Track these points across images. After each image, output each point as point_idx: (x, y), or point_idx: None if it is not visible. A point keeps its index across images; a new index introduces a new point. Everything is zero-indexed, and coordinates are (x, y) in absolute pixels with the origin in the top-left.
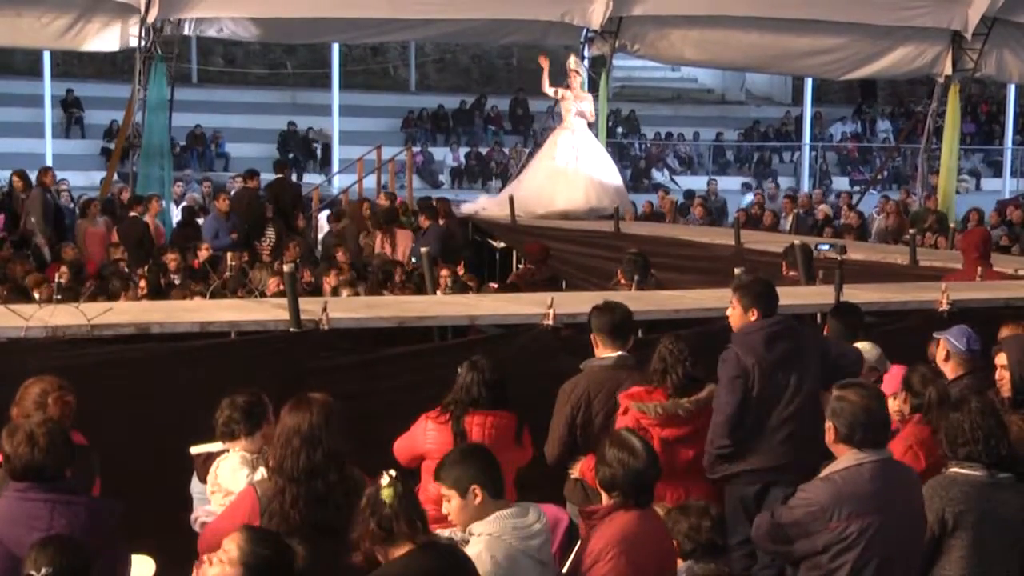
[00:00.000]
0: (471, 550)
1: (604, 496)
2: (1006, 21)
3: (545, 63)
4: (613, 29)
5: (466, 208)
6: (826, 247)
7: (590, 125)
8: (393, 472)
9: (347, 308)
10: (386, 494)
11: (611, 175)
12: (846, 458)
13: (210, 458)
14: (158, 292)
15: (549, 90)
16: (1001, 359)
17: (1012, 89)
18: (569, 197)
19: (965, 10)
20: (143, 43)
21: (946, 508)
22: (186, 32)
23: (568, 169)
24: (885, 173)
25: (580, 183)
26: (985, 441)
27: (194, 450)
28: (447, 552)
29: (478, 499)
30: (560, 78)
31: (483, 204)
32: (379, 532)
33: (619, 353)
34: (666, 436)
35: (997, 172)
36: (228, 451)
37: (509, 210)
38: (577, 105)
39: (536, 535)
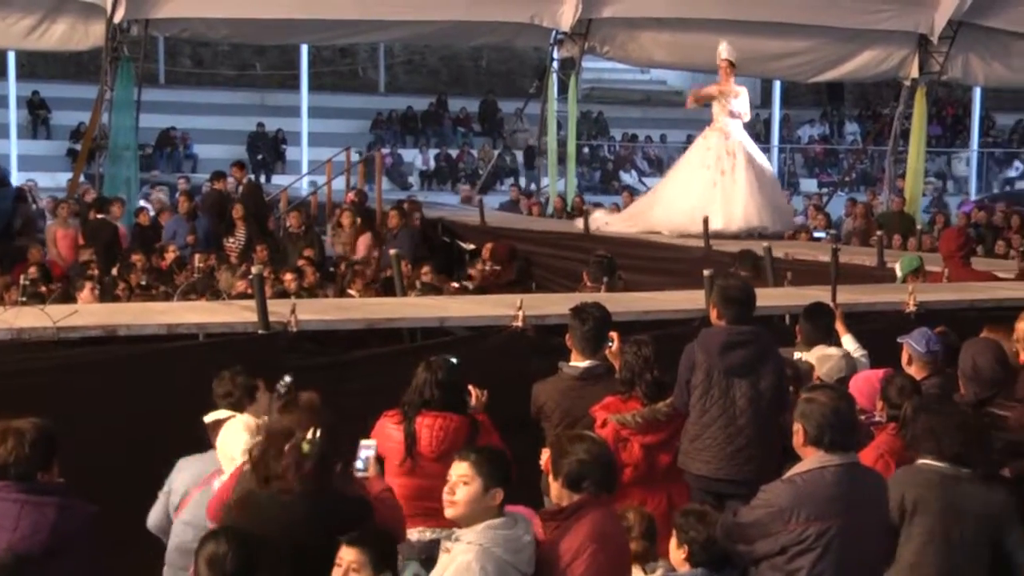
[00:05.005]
0: (461, 558)
1: (565, 494)
2: (972, 25)
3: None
4: (583, 31)
5: (593, 223)
6: (823, 235)
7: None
8: (316, 429)
9: (316, 310)
10: (306, 446)
11: (773, 188)
12: (811, 460)
13: (218, 425)
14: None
15: (701, 99)
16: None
17: (978, 92)
18: (727, 214)
19: (931, 14)
20: (110, 43)
21: (906, 492)
22: (153, 32)
23: (724, 180)
24: (853, 175)
25: (739, 198)
26: (941, 439)
27: (207, 418)
28: (313, 500)
29: (495, 502)
30: (527, 80)
31: (604, 219)
32: (295, 473)
33: (588, 363)
34: (648, 442)
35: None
36: (234, 416)
37: (645, 226)
38: (730, 103)
39: (524, 548)
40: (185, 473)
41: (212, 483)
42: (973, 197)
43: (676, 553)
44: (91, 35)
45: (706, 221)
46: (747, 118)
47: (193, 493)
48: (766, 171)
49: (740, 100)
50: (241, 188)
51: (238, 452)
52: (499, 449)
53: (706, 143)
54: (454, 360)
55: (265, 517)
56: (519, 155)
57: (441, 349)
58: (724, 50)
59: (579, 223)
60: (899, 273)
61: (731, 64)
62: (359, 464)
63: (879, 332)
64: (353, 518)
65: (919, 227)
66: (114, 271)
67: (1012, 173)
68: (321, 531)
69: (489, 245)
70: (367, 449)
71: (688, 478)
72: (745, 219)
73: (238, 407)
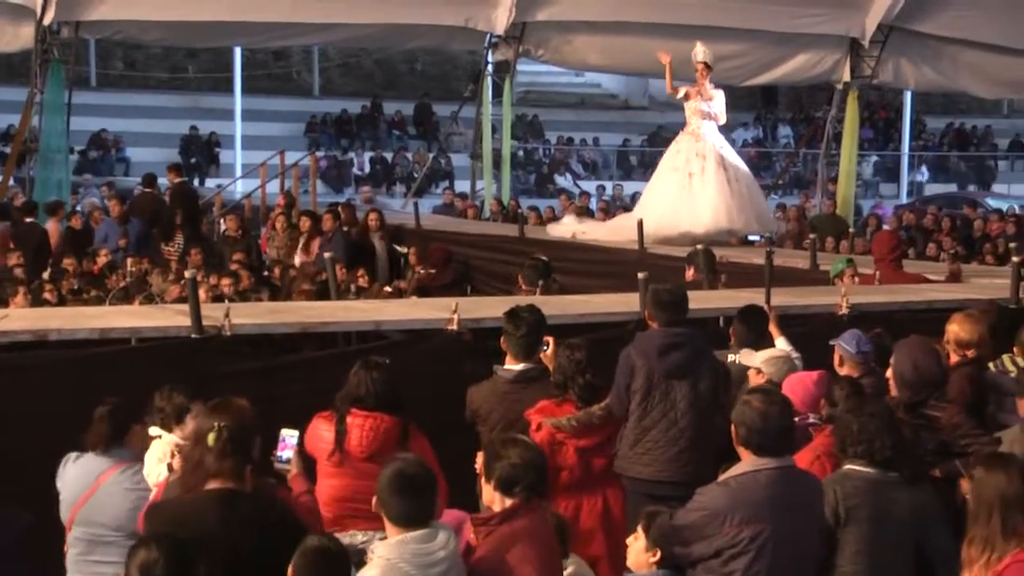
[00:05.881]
0: (366, 572)
1: (497, 497)
2: (902, 29)
3: (667, 59)
4: (517, 34)
5: (555, 232)
6: (757, 238)
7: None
8: (221, 423)
9: (250, 314)
10: (210, 438)
11: (751, 191)
12: (744, 464)
13: (149, 441)
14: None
15: (680, 92)
16: (894, 360)
17: (908, 96)
18: (695, 216)
19: (862, 18)
20: (39, 46)
21: (840, 502)
22: (84, 35)
23: (693, 183)
24: (786, 178)
25: (707, 199)
26: (870, 442)
27: (152, 431)
28: (238, 499)
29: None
30: (462, 83)
31: (579, 227)
32: (196, 469)
33: (522, 366)
34: (583, 446)
35: (894, 177)
36: (161, 437)
37: (626, 237)
38: (704, 105)
39: (438, 562)
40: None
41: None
42: (904, 200)
43: (643, 555)
44: (20, 37)
45: (640, 224)
46: (723, 120)
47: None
48: (742, 174)
49: (716, 102)
50: (169, 191)
51: (154, 479)
52: (421, 462)
53: (677, 146)
54: (386, 361)
55: (181, 520)
56: (455, 158)
57: (376, 353)
58: (700, 52)
59: (549, 227)
60: (831, 276)
61: (707, 66)
62: (280, 455)
63: (812, 334)
64: (284, 522)
65: (851, 230)
66: (45, 275)
67: (919, 177)
68: (247, 532)
69: (414, 249)
70: (290, 438)
71: (627, 482)
72: (714, 222)
73: (165, 426)
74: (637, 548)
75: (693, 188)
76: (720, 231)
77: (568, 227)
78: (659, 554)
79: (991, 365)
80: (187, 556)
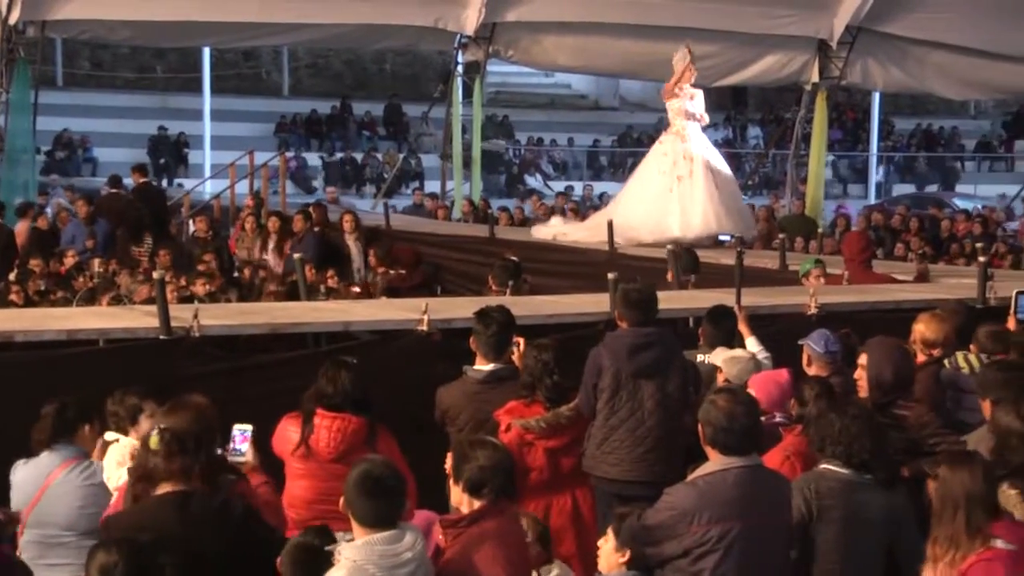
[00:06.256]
0: (333, 574)
1: (466, 499)
2: (870, 30)
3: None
4: (487, 35)
5: (539, 233)
6: (727, 238)
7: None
8: (162, 425)
9: (219, 315)
10: (153, 441)
11: (734, 194)
12: (712, 463)
13: (107, 446)
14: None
15: (676, 97)
16: (862, 359)
17: (876, 97)
18: (685, 221)
19: (831, 19)
20: (5, 45)
21: (813, 499)
22: (51, 34)
23: (681, 187)
24: (755, 179)
25: (697, 205)
26: (849, 444)
27: (107, 436)
28: (191, 500)
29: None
30: (432, 84)
31: (562, 229)
32: (145, 476)
33: (492, 367)
34: (552, 446)
35: (862, 178)
36: (118, 440)
37: (605, 236)
38: (687, 105)
39: (405, 563)
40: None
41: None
42: (872, 200)
43: (613, 556)
44: None
45: (610, 224)
46: (706, 120)
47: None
48: (727, 177)
49: (696, 102)
50: (134, 192)
51: (114, 480)
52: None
53: (662, 148)
54: (354, 361)
55: (138, 527)
56: (425, 159)
57: (346, 353)
58: (682, 54)
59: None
60: (800, 275)
61: (691, 64)
62: (234, 447)
63: (781, 334)
64: (243, 518)
65: (820, 230)
66: (11, 276)
67: (877, 178)
68: (204, 531)
69: (373, 250)
70: (242, 433)
71: (595, 482)
72: (704, 226)
73: (121, 429)
74: (607, 550)
75: (681, 193)
76: (710, 236)
77: (553, 228)
78: (628, 554)
79: (945, 362)
80: (146, 558)
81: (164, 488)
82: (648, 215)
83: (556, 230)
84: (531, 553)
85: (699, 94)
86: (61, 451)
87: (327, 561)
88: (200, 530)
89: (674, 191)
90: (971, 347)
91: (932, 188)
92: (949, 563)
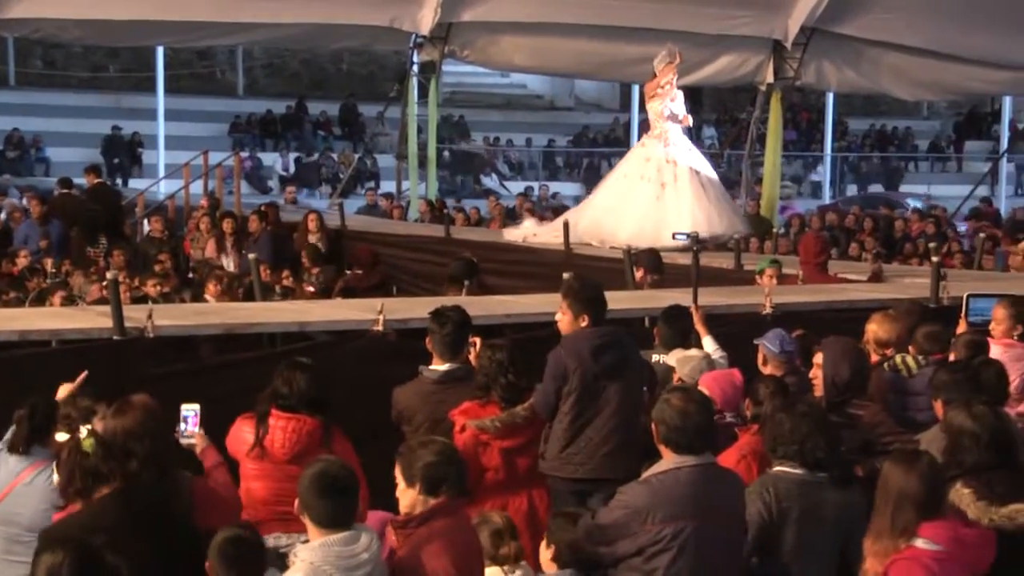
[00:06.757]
0: (291, 575)
1: (421, 500)
2: (824, 31)
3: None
4: (443, 35)
5: (510, 235)
6: (683, 237)
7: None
8: (89, 427)
9: (173, 316)
10: (87, 444)
11: (721, 195)
12: (665, 461)
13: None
14: None
15: (658, 98)
16: (818, 359)
17: (831, 97)
18: (677, 227)
19: (785, 20)
20: None
21: (772, 504)
22: (2, 33)
23: (666, 193)
24: None
25: (685, 210)
26: (802, 443)
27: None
28: (141, 495)
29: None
30: (388, 84)
31: (533, 230)
32: (84, 482)
33: (448, 367)
34: (507, 446)
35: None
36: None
37: (575, 237)
38: (669, 106)
39: (362, 564)
40: None
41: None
42: (827, 201)
43: (544, 553)
44: None
45: (566, 225)
46: (689, 122)
47: None
48: (712, 179)
49: (678, 103)
50: (88, 193)
51: None
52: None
53: (644, 152)
54: (308, 361)
55: (78, 526)
56: (380, 159)
57: (301, 354)
58: (665, 56)
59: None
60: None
61: (672, 64)
62: (183, 428)
63: (737, 334)
64: (183, 514)
65: (775, 230)
66: None
67: (815, 177)
68: (146, 529)
69: (305, 252)
70: (191, 413)
71: (556, 483)
72: (695, 230)
73: (72, 431)
74: (542, 546)
75: (667, 200)
76: (703, 239)
77: (526, 230)
78: (553, 549)
79: (885, 365)
80: (92, 557)
81: (103, 490)
82: (639, 225)
83: (527, 231)
84: (508, 551)
85: (680, 95)
86: (34, 453)
87: (257, 551)
88: (141, 529)
89: (661, 199)
90: (910, 348)
91: (877, 188)
92: (878, 559)
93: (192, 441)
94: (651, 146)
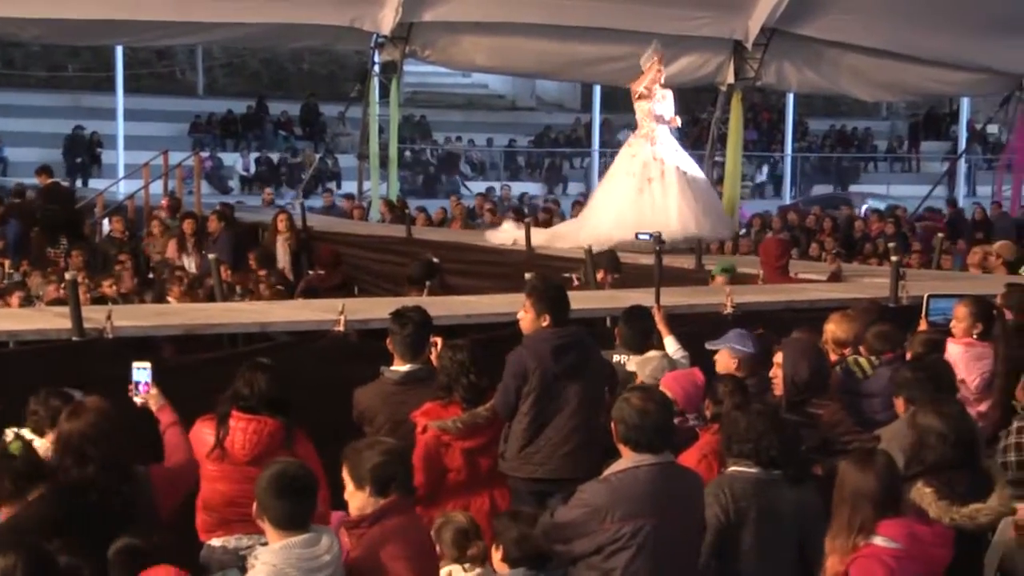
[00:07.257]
0: None
1: (371, 502)
2: (784, 32)
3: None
4: (404, 35)
5: (493, 238)
6: (646, 236)
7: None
8: (15, 430)
9: (133, 316)
10: (14, 447)
11: (708, 194)
12: (624, 460)
13: None
14: None
15: (645, 98)
16: (778, 358)
17: (791, 98)
18: (661, 223)
19: (745, 21)
20: None
21: (729, 505)
22: None
23: (652, 188)
24: None
25: (671, 206)
26: (757, 441)
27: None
28: (73, 493)
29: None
30: (349, 84)
31: (513, 235)
32: (15, 484)
33: (409, 367)
34: (469, 447)
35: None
36: (32, 441)
37: (575, 242)
38: (656, 106)
39: (323, 567)
40: None
41: None
42: (788, 200)
43: (495, 555)
44: None
45: (528, 225)
46: (677, 123)
47: None
48: (700, 179)
49: (667, 104)
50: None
51: None
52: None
53: (631, 150)
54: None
55: (23, 527)
56: (342, 159)
57: (263, 354)
58: (652, 52)
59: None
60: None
61: (659, 64)
62: (137, 385)
63: (697, 333)
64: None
65: (736, 231)
66: None
67: (760, 178)
68: (93, 523)
69: (252, 254)
70: (142, 371)
71: (516, 483)
72: (681, 228)
73: (38, 431)
74: (496, 559)
75: (653, 194)
76: (689, 238)
77: (508, 234)
78: (503, 550)
79: (837, 367)
80: (44, 557)
81: (35, 492)
82: (619, 216)
83: (513, 235)
84: (475, 551)
85: (669, 95)
86: None
87: (147, 559)
88: (82, 526)
89: (645, 192)
90: (861, 349)
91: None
92: (838, 557)
93: (147, 398)
94: (638, 145)
